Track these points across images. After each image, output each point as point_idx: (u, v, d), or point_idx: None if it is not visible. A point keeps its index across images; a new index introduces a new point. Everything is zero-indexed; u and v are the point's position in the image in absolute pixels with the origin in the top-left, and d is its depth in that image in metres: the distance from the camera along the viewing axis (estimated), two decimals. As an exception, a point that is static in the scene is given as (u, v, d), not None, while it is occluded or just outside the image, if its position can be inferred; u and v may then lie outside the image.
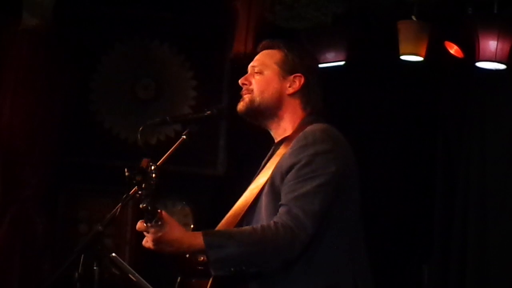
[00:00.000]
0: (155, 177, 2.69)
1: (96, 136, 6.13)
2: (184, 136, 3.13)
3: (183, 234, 2.86)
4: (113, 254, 3.01)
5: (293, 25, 5.71)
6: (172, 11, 6.12)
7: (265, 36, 5.44)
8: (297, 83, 3.17)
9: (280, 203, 2.95)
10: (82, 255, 2.86)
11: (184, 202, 6.06)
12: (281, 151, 3.11)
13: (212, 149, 6.13)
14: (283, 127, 3.18)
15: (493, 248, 5.62)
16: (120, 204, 2.94)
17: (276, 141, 3.23)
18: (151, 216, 2.77)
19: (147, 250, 2.95)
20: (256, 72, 3.19)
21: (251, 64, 3.23)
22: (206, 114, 3.18)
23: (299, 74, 3.17)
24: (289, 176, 2.97)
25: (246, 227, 2.94)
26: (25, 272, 5.67)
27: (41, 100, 5.79)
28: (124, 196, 2.96)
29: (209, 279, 2.96)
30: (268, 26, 5.66)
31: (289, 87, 3.17)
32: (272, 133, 3.24)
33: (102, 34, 6.12)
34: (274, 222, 2.88)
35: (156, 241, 2.84)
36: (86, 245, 2.88)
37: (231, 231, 2.95)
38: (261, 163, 3.37)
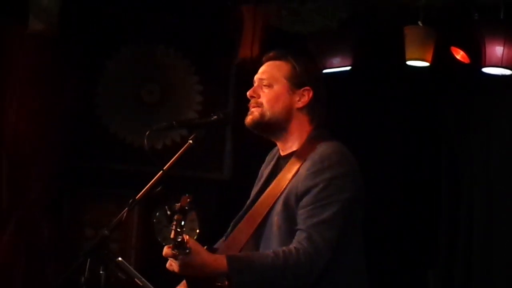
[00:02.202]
0: (191, 212, 2.77)
1: (101, 140, 6.13)
2: (191, 141, 3.12)
3: (208, 259, 2.91)
4: (119, 259, 3.01)
5: (298, 30, 5.71)
6: (178, 16, 6.12)
7: (271, 41, 5.50)
8: (306, 97, 3.18)
9: (298, 227, 2.99)
10: (88, 259, 2.86)
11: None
12: (290, 167, 3.13)
13: (218, 154, 6.14)
14: (290, 141, 3.19)
15: (498, 254, 5.61)
16: (126, 208, 2.94)
17: (282, 154, 3.24)
18: (179, 244, 2.81)
19: (153, 254, 2.96)
20: (265, 85, 3.19)
21: (259, 76, 3.22)
22: (212, 119, 3.18)
23: (308, 88, 3.18)
24: (307, 199, 3.00)
25: (269, 253, 2.97)
26: (30, 276, 5.68)
27: (47, 104, 5.79)
28: (130, 201, 2.97)
29: None
30: (274, 31, 5.66)
31: (299, 101, 3.18)
32: (279, 146, 3.26)
33: (108, 38, 6.12)
34: (295, 248, 2.94)
35: (182, 266, 2.88)
36: (92, 250, 2.89)
37: (254, 256, 2.99)
38: (261, 169, 3.38)
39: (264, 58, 3.28)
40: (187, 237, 2.81)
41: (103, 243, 2.91)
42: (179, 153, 3.08)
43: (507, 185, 5.60)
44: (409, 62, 5.46)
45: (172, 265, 2.92)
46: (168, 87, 6.23)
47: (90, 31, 6.02)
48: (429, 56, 5.42)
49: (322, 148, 3.08)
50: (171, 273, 3.02)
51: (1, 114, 5.71)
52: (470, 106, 5.96)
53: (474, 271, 5.75)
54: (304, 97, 3.17)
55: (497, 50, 5.18)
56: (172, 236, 2.77)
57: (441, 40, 5.46)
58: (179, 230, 2.75)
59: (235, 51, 5.89)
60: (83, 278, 2.86)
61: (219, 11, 5.93)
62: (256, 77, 3.24)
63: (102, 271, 2.89)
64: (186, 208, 2.77)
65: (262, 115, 3.16)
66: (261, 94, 3.19)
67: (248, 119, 3.19)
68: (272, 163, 3.30)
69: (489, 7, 5.26)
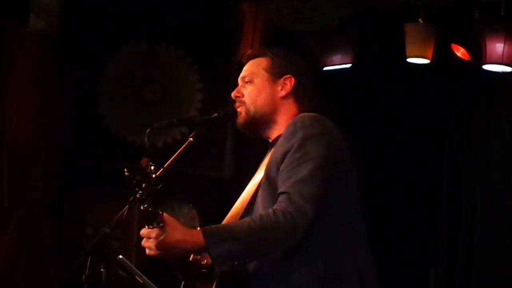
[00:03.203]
0: (155, 177, 2.68)
1: (102, 139, 6.13)
2: (191, 139, 3.12)
3: (185, 234, 2.83)
4: (120, 257, 3.00)
5: (299, 28, 5.71)
6: (179, 14, 6.12)
7: (272, 39, 5.50)
8: (288, 84, 3.17)
9: (278, 191, 2.93)
10: (89, 258, 2.86)
11: (190, 205, 6.06)
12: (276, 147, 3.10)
13: (219, 152, 6.14)
14: (278, 130, 3.16)
15: (498, 252, 5.61)
16: (127, 206, 2.93)
17: (271, 140, 3.22)
18: (152, 218, 2.75)
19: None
20: (247, 82, 3.19)
21: (240, 76, 3.22)
22: (213, 116, 3.18)
23: (288, 76, 3.17)
24: (284, 163, 2.95)
25: (245, 219, 2.92)
26: (32, 275, 5.68)
27: (48, 104, 5.80)
28: (131, 199, 2.96)
29: (213, 282, 2.96)
30: (275, 29, 5.66)
31: (281, 90, 3.16)
32: (270, 137, 3.23)
33: (109, 37, 6.13)
34: (273, 209, 2.86)
35: (159, 245, 2.82)
36: (93, 248, 2.88)
37: (230, 225, 2.95)
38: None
39: (243, 60, 3.27)
40: (163, 213, 2.74)
41: (104, 241, 2.90)
42: (179, 151, 3.07)
43: (507, 184, 5.60)
44: (409, 60, 5.46)
45: (149, 244, 2.85)
46: (169, 86, 6.23)
47: (90, 31, 6.02)
48: (430, 53, 5.43)
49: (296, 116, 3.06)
50: (172, 271, 3.01)
51: (2, 114, 5.71)
52: (471, 103, 5.96)
53: (475, 269, 5.74)
54: (286, 86, 3.16)
55: (498, 47, 5.18)
56: (142, 208, 2.70)
57: (442, 37, 5.46)
58: (140, 192, 2.66)
59: (236, 49, 5.89)
60: (84, 276, 2.85)
61: (219, 9, 5.93)
62: (239, 78, 3.24)
63: (103, 269, 2.88)
64: (147, 170, 2.66)
65: (247, 111, 3.15)
66: (244, 92, 3.18)
67: (238, 120, 3.18)
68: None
69: (489, 4, 5.27)
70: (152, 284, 3.06)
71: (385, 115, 6.27)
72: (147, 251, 2.89)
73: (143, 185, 2.67)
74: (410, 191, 6.26)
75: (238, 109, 3.18)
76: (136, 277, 3.04)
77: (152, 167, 2.70)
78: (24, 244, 5.73)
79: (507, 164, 5.61)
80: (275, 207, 2.87)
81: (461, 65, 5.59)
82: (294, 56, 3.26)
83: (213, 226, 2.93)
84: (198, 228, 2.89)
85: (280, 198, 2.90)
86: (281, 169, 2.95)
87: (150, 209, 2.71)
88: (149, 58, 6.21)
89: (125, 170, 2.68)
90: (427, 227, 6.18)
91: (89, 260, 2.85)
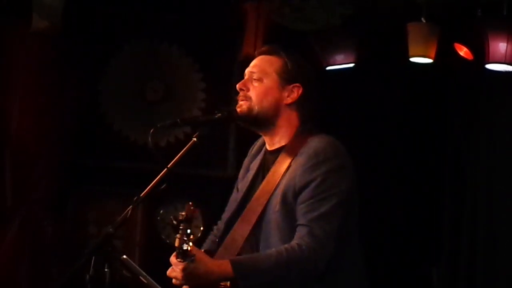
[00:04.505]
0: (193, 239, 2.75)
1: (105, 138, 6.13)
2: (195, 139, 3.12)
3: (212, 265, 2.90)
4: (124, 256, 3.00)
5: (302, 27, 5.71)
6: (181, 13, 6.12)
7: (274, 38, 5.50)
8: (296, 93, 3.18)
9: (299, 222, 3.00)
10: (93, 257, 2.86)
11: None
12: (281, 162, 3.13)
13: (222, 151, 6.13)
14: (278, 136, 3.20)
15: (502, 251, 5.60)
16: (130, 206, 2.94)
17: (269, 148, 3.24)
18: (183, 253, 2.79)
19: (156, 251, 2.95)
20: (255, 79, 3.18)
21: (250, 69, 3.22)
22: (216, 116, 3.18)
23: (297, 85, 3.18)
24: (305, 194, 3.01)
25: (271, 252, 2.97)
26: (35, 274, 5.68)
27: (51, 103, 5.80)
28: (134, 199, 2.97)
29: None
30: (277, 29, 5.66)
31: (288, 97, 3.18)
32: (266, 140, 3.26)
33: (111, 36, 6.13)
34: (298, 244, 2.94)
35: (187, 276, 2.88)
36: (96, 247, 2.88)
37: (258, 258, 2.98)
38: (244, 162, 3.42)
39: (256, 53, 3.28)
40: (191, 244, 2.79)
41: (108, 240, 2.90)
42: (183, 150, 3.08)
43: (509, 183, 5.59)
44: (412, 59, 5.46)
45: (176, 275, 2.91)
46: (172, 84, 6.23)
47: (92, 30, 6.02)
48: (432, 52, 5.42)
49: (315, 142, 3.09)
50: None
51: (5, 114, 5.72)
52: (474, 102, 5.95)
53: (478, 268, 5.74)
54: (293, 94, 3.17)
55: (501, 46, 5.18)
56: (176, 244, 2.76)
57: (444, 36, 5.46)
58: (185, 239, 2.74)
59: (238, 48, 5.89)
60: (88, 276, 2.86)
61: (222, 8, 5.93)
62: (247, 70, 3.24)
63: (107, 268, 2.89)
64: (192, 218, 2.77)
65: (250, 109, 3.16)
66: (251, 87, 3.18)
67: (239, 110, 3.18)
68: (259, 157, 3.30)
69: (492, 3, 5.26)
70: (156, 284, 3.07)
71: (388, 114, 6.26)
72: (173, 280, 2.96)
73: (188, 231, 2.75)
74: (412, 191, 6.25)
75: (240, 102, 3.18)
76: (140, 276, 3.04)
77: (195, 212, 2.80)
78: (27, 243, 5.73)
79: (509, 163, 5.61)
80: (298, 241, 2.96)
81: (464, 65, 5.58)
82: (305, 63, 3.27)
83: (241, 257, 3.02)
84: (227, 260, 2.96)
85: (303, 231, 2.98)
86: (302, 199, 3.02)
87: (185, 249, 2.76)
88: (151, 57, 6.21)
89: (172, 218, 2.79)
90: (429, 227, 6.17)
91: (93, 260, 2.85)
